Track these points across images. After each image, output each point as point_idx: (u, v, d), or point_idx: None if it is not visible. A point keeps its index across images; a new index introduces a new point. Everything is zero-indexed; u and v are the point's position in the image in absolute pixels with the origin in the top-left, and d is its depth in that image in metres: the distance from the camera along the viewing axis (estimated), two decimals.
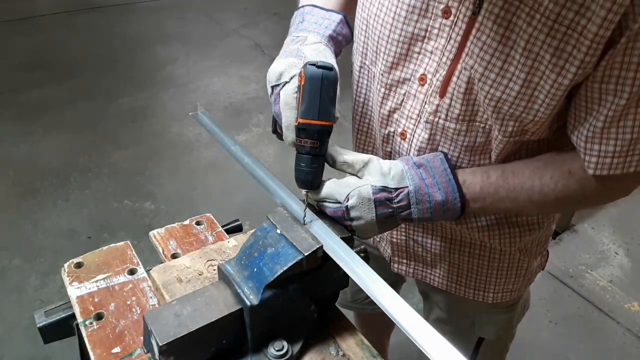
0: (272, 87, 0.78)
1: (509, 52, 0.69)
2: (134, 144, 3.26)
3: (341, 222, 0.77)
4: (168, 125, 3.48)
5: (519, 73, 0.69)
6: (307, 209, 0.76)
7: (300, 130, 0.72)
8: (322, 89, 0.70)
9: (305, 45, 0.80)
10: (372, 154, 0.98)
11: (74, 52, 4.33)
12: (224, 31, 4.89)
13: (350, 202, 0.74)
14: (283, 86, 0.75)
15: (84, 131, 3.35)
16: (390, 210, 0.76)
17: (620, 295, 2.42)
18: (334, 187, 0.76)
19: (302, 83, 0.71)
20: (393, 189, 0.76)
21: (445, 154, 0.80)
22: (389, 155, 0.93)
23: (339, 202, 0.75)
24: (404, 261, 1.06)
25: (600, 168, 0.73)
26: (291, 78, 0.75)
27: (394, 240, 1.03)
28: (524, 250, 0.97)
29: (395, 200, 0.76)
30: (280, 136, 0.85)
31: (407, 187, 0.76)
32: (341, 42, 0.88)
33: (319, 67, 0.70)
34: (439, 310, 1.12)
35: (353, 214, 0.74)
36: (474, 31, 0.71)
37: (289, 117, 0.75)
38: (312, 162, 0.74)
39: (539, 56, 0.67)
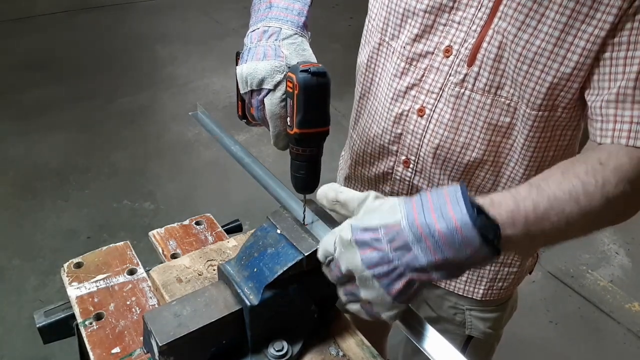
0: (252, 92, 0.75)
1: (544, 11, 0.70)
2: (134, 144, 3.26)
3: (353, 294, 0.64)
4: (168, 125, 3.48)
5: (552, 31, 0.70)
6: (307, 209, 0.76)
7: (297, 140, 0.71)
8: (319, 96, 0.68)
9: (282, 40, 0.76)
10: (376, 137, 0.96)
11: (74, 52, 4.33)
12: (224, 31, 4.89)
13: (337, 252, 0.62)
14: (267, 94, 0.73)
15: (84, 131, 3.35)
16: (381, 254, 0.58)
17: (621, 296, 2.42)
18: (325, 240, 0.64)
19: (296, 92, 0.68)
20: (379, 226, 0.59)
21: (464, 185, 0.60)
22: (398, 137, 0.92)
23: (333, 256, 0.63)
24: None
25: (634, 137, 0.66)
26: (275, 86, 0.73)
27: None
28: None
29: (386, 239, 0.58)
30: (248, 121, 0.85)
31: (399, 223, 0.58)
32: (308, 23, 0.83)
33: (312, 74, 0.67)
34: (429, 308, 1.12)
35: (344, 266, 0.61)
36: None
37: (277, 126, 0.74)
38: (310, 168, 0.74)
39: (575, 12, 0.68)
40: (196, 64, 4.26)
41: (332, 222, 0.78)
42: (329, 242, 0.63)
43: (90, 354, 0.80)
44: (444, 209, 0.57)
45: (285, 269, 0.70)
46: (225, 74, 4.08)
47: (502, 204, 0.60)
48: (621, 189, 0.64)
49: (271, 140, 0.78)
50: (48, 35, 4.63)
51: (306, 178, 0.74)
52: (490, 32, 0.75)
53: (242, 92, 0.78)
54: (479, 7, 0.76)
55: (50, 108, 3.55)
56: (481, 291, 1.01)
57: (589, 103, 0.73)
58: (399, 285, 0.59)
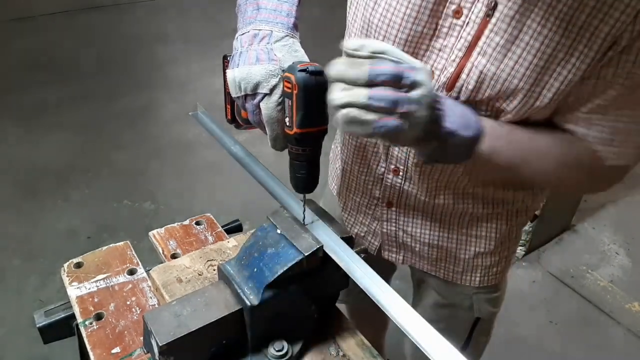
0: (246, 96, 0.74)
1: (521, 53, 0.70)
2: (133, 144, 3.26)
3: (396, 87, 0.61)
4: (168, 125, 3.48)
5: (530, 73, 0.71)
6: (307, 208, 0.76)
7: (298, 140, 0.71)
8: (318, 95, 0.68)
9: (274, 43, 0.75)
10: (368, 146, 0.98)
11: (74, 52, 4.33)
12: (224, 31, 4.88)
13: (416, 64, 0.63)
14: (262, 98, 0.73)
15: (84, 131, 3.35)
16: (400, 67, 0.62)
17: (621, 296, 2.42)
18: (394, 47, 0.63)
19: (295, 92, 0.68)
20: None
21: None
22: (387, 148, 0.93)
23: (400, 59, 0.62)
24: (394, 249, 1.10)
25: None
26: (271, 90, 0.72)
27: (384, 230, 1.07)
28: (505, 235, 1.02)
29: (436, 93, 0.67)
30: (238, 125, 0.84)
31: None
32: (298, 23, 0.82)
33: (310, 73, 0.67)
34: (436, 294, 1.16)
35: (418, 76, 0.61)
36: (487, 32, 0.72)
37: (275, 130, 0.74)
38: (310, 167, 0.73)
39: (551, 56, 0.69)
40: (196, 64, 4.26)
41: (332, 221, 0.78)
42: (406, 56, 0.63)
43: (91, 354, 0.80)
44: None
45: (285, 269, 0.70)
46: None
47: (482, 119, 0.72)
48: (574, 166, 0.77)
49: (269, 143, 0.78)
50: (48, 35, 4.63)
51: (306, 178, 0.74)
52: (469, 64, 0.75)
53: (234, 96, 0.77)
54: (458, 38, 0.76)
55: (50, 108, 3.55)
56: (478, 278, 1.07)
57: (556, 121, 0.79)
58: (431, 125, 0.65)
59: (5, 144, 3.18)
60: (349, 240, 0.75)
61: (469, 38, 0.74)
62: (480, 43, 0.73)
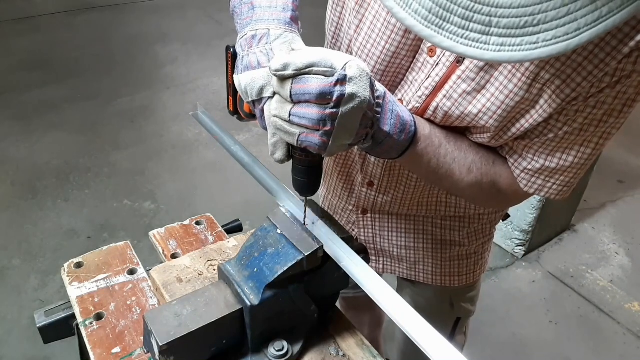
0: (254, 102, 0.72)
1: (485, 102, 0.72)
2: (133, 144, 3.26)
3: (323, 103, 0.59)
4: (168, 125, 3.48)
5: (493, 122, 0.73)
6: (308, 209, 0.76)
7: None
8: None
9: (273, 42, 0.73)
10: (347, 162, 1.03)
11: (74, 52, 4.33)
12: (224, 31, 4.89)
13: (351, 72, 0.58)
14: (266, 101, 0.70)
15: (84, 131, 3.35)
16: (374, 96, 0.63)
17: (621, 296, 2.42)
18: (326, 53, 0.60)
19: None
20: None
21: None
22: (362, 164, 0.97)
23: (332, 69, 0.59)
24: (373, 258, 1.14)
25: (526, 180, 0.79)
26: (274, 93, 0.70)
27: (362, 238, 1.10)
28: (473, 236, 1.05)
29: (378, 92, 0.65)
30: (240, 117, 0.84)
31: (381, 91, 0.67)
32: (298, 15, 0.80)
33: None
34: (417, 297, 1.18)
35: (349, 88, 0.58)
36: (454, 77, 0.74)
37: (276, 133, 0.74)
38: (312, 172, 0.73)
39: (514, 109, 0.71)
40: (196, 64, 4.26)
41: (332, 222, 0.78)
42: (335, 57, 0.60)
43: (91, 353, 0.80)
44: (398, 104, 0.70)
45: (285, 268, 0.70)
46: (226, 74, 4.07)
47: (420, 125, 0.74)
48: (487, 189, 0.80)
49: (269, 150, 0.77)
50: (48, 35, 4.63)
51: (308, 182, 0.73)
52: (434, 103, 0.77)
53: (245, 102, 0.77)
54: (427, 76, 0.77)
55: (50, 108, 3.55)
56: (456, 279, 1.11)
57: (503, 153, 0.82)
58: (363, 128, 0.63)
59: (5, 143, 3.19)
60: (349, 241, 0.75)
61: (437, 79, 0.76)
62: (446, 87, 0.75)
